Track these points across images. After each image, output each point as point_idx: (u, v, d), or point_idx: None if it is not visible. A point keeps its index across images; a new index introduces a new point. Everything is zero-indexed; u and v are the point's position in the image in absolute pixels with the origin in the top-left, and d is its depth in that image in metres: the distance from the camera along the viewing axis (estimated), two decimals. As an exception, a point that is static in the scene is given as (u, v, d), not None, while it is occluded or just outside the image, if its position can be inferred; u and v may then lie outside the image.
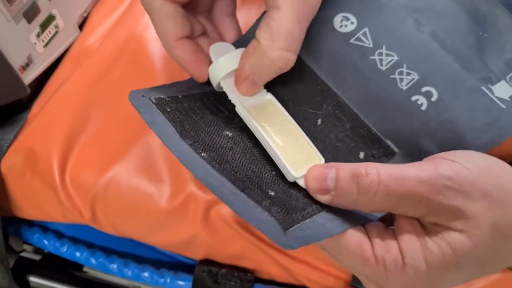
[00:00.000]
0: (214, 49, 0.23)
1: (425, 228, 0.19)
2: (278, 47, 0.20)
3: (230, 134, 0.22)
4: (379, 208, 0.18)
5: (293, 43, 0.21)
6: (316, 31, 0.23)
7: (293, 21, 0.20)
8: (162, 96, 0.22)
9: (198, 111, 0.23)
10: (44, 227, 0.30)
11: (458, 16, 0.27)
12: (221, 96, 0.23)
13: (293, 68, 0.22)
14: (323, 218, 0.20)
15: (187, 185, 0.25)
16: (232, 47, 0.24)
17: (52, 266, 0.30)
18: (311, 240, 0.18)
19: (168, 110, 0.21)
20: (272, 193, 0.20)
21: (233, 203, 0.18)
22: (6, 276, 0.27)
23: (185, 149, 0.20)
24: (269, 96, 0.23)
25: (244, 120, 0.22)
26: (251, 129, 0.22)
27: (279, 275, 0.27)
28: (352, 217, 0.20)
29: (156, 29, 0.22)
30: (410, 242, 0.19)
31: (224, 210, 0.25)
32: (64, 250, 0.28)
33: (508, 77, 0.25)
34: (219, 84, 0.23)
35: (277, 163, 0.21)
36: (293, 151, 0.22)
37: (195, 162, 0.19)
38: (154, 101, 0.21)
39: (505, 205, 0.18)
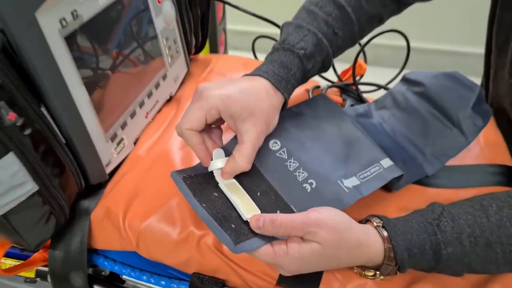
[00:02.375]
0: (215, 152, 0.48)
1: (303, 238, 0.41)
2: (244, 161, 0.45)
3: (216, 194, 0.45)
4: (282, 235, 0.41)
5: (251, 160, 0.46)
6: (260, 148, 0.48)
7: (251, 150, 0.45)
8: (186, 175, 0.46)
9: (201, 183, 0.47)
10: (104, 255, 0.51)
11: (337, 143, 0.52)
12: (211, 175, 0.47)
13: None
14: (254, 240, 0.42)
15: (188, 227, 0.47)
16: (223, 153, 0.48)
17: (106, 280, 0.51)
18: (246, 250, 0.41)
19: (188, 183, 0.45)
20: (233, 226, 0.43)
21: (214, 231, 0.42)
22: (85, 281, 0.48)
23: (196, 203, 0.43)
24: (234, 180, 0.47)
25: (223, 190, 0.46)
26: (226, 194, 0.45)
27: (238, 283, 0.48)
28: (268, 238, 0.42)
29: (187, 143, 0.46)
30: (292, 244, 0.41)
31: (209, 241, 0.47)
32: (116, 268, 0.49)
33: (358, 174, 0.50)
34: (212, 171, 0.47)
35: (238, 211, 0.44)
36: (246, 206, 0.45)
37: (200, 209, 0.43)
38: (181, 177, 0.45)
39: (339, 233, 0.41)
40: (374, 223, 0.44)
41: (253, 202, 0.46)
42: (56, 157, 0.43)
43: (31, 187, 0.40)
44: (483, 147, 0.63)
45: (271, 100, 0.48)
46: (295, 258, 0.40)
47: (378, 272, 0.43)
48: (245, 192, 0.47)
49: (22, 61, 0.39)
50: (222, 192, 0.46)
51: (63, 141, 0.44)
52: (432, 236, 0.43)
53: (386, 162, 0.52)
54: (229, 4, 0.78)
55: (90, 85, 0.46)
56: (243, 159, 0.45)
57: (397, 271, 0.43)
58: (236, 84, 0.48)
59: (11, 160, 0.38)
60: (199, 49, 0.77)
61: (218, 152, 0.48)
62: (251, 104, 0.46)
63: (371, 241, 0.42)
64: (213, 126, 0.50)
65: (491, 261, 0.43)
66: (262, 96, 0.47)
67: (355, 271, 0.45)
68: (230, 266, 0.47)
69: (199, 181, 0.47)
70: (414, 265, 0.43)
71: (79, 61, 0.44)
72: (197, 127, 0.46)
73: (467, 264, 0.43)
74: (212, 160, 0.47)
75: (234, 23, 1.56)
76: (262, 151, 0.50)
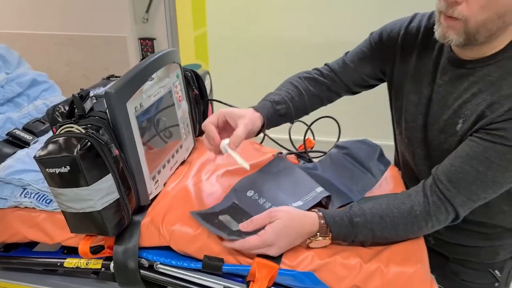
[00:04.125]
0: (224, 140, 0.83)
1: (271, 220, 0.72)
2: (240, 133, 0.82)
3: (216, 221, 0.77)
4: (259, 225, 0.73)
5: (243, 135, 0.83)
6: (241, 195, 0.83)
7: (244, 129, 0.84)
8: (197, 213, 0.79)
9: (205, 216, 0.78)
10: (146, 250, 0.79)
11: (289, 183, 0.88)
12: (209, 213, 0.79)
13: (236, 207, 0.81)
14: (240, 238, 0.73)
15: (201, 226, 0.77)
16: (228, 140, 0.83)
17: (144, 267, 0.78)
18: (236, 239, 0.72)
19: (199, 215, 0.78)
20: (226, 232, 0.74)
21: (214, 232, 0.75)
22: (136, 265, 0.76)
23: (204, 222, 0.76)
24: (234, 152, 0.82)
25: (231, 153, 0.82)
26: (232, 154, 0.82)
27: (232, 260, 0.76)
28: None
29: (208, 131, 0.84)
30: (267, 226, 0.72)
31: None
32: (154, 258, 0.78)
33: (302, 198, 0.84)
34: (224, 147, 0.83)
35: (239, 162, 0.80)
36: (242, 160, 0.79)
37: (205, 224, 0.75)
38: (196, 213, 0.78)
39: (290, 212, 0.74)
40: (314, 210, 0.76)
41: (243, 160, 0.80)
42: (127, 182, 0.75)
43: (116, 195, 0.72)
44: (389, 183, 0.98)
45: (254, 114, 0.88)
46: (270, 233, 0.71)
47: (318, 233, 0.74)
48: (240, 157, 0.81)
49: (115, 127, 0.73)
50: (221, 220, 0.78)
51: (131, 174, 0.76)
52: (347, 213, 0.75)
53: (319, 189, 0.86)
54: (220, 102, 1.17)
55: (145, 145, 0.80)
56: (239, 133, 0.82)
57: (330, 232, 0.74)
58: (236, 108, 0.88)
59: (109, 177, 0.70)
60: (201, 132, 1.14)
61: (225, 140, 0.83)
62: (243, 113, 0.86)
63: (310, 215, 0.74)
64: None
65: (384, 227, 0.75)
66: (250, 112, 0.88)
67: (307, 241, 0.74)
68: (228, 249, 0.76)
69: (203, 215, 0.79)
70: (339, 230, 0.74)
71: (140, 130, 0.79)
72: (214, 123, 0.85)
73: (370, 229, 0.75)
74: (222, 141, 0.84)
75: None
76: (244, 199, 0.84)
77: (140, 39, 1.53)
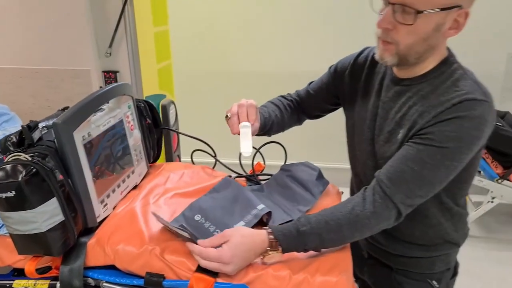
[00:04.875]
0: (243, 123, 0.93)
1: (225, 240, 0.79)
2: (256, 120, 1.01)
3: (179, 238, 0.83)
4: (216, 244, 0.79)
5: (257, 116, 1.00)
6: (190, 219, 0.91)
7: (256, 114, 1.00)
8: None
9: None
10: (92, 270, 0.84)
11: (233, 204, 0.96)
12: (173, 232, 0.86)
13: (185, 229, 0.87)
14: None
15: (142, 246, 0.83)
16: (248, 123, 0.94)
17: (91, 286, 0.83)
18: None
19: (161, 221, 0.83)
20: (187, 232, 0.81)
21: (176, 230, 0.81)
22: (81, 283, 0.80)
23: (166, 222, 0.83)
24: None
25: (243, 132, 0.93)
26: (242, 132, 0.94)
27: (173, 276, 0.82)
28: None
29: (233, 111, 0.99)
30: (223, 245, 0.79)
31: (157, 251, 0.82)
32: (100, 276, 0.82)
33: (244, 218, 0.91)
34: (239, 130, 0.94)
35: (245, 145, 0.92)
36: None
37: (165, 223, 0.82)
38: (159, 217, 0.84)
39: (241, 231, 0.81)
40: (264, 228, 0.83)
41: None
42: (73, 205, 0.81)
43: (61, 217, 0.77)
44: (327, 201, 1.05)
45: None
46: (227, 251, 0.77)
47: (268, 248, 0.80)
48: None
49: (62, 154, 0.80)
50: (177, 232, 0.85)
51: (77, 197, 0.82)
52: (294, 224, 0.83)
53: (260, 206, 0.93)
54: (174, 130, 1.24)
55: (93, 171, 0.86)
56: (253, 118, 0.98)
57: (280, 246, 0.80)
58: None
59: (54, 200, 0.76)
60: (155, 159, 1.20)
61: (245, 122, 0.96)
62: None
63: (260, 232, 0.81)
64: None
65: (329, 230, 0.82)
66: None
67: (261, 257, 0.81)
68: (169, 266, 0.82)
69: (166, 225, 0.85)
70: (288, 242, 0.81)
71: (88, 157, 0.85)
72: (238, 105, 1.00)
73: (318, 235, 0.82)
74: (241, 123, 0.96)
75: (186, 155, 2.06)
76: (192, 222, 0.91)
77: (104, 71, 1.61)
